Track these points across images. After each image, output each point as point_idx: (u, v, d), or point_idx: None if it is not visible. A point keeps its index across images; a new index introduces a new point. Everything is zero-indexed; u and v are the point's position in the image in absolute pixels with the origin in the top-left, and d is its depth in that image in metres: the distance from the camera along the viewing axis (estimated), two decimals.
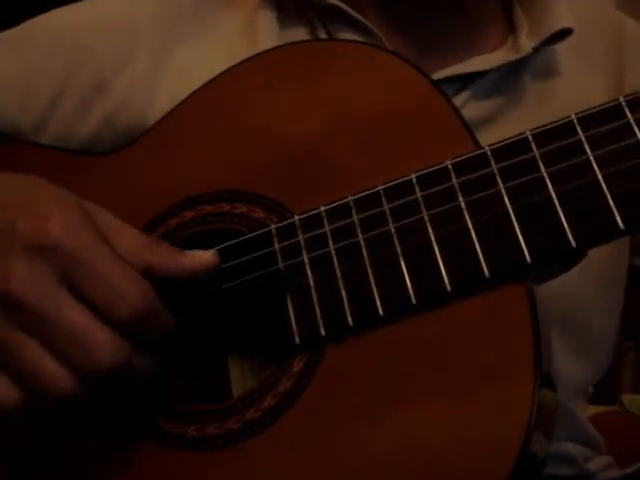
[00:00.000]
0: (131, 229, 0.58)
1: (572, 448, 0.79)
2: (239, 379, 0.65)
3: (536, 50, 0.75)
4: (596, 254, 0.56)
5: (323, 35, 0.76)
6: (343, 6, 0.74)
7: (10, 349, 0.53)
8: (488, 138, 0.59)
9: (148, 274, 0.56)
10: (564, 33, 0.74)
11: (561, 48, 0.77)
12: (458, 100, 0.73)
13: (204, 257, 0.59)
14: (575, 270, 0.57)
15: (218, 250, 0.61)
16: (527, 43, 0.75)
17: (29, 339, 0.53)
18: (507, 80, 0.76)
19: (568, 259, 0.56)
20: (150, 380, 0.57)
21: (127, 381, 0.55)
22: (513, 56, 0.75)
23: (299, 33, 0.76)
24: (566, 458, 0.78)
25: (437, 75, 0.73)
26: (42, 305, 0.53)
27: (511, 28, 0.79)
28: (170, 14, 0.79)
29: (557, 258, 0.55)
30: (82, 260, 0.54)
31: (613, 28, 0.83)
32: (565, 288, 0.58)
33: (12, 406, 0.54)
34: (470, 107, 0.74)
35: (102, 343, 0.53)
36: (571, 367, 0.76)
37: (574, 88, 0.77)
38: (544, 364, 0.53)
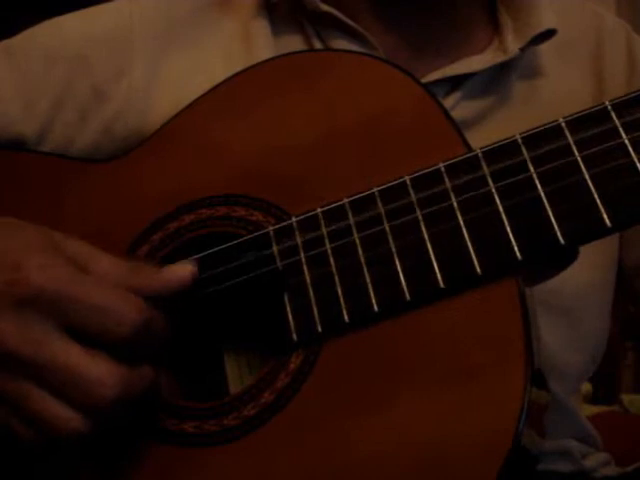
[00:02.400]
0: (108, 255, 0.58)
1: (569, 444, 0.79)
2: (236, 377, 0.66)
3: (522, 50, 0.76)
4: (590, 244, 0.57)
5: (317, 42, 0.77)
6: (336, 13, 0.76)
7: (17, 399, 0.54)
8: (479, 136, 0.60)
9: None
10: (548, 33, 0.76)
11: (545, 48, 0.78)
12: (449, 101, 0.75)
13: (183, 270, 0.59)
14: (578, 264, 0.58)
15: (216, 252, 0.62)
16: (513, 44, 0.76)
17: (34, 387, 0.54)
18: (495, 80, 0.78)
19: (561, 258, 0.57)
20: (151, 389, 0.58)
21: (131, 401, 0.56)
22: (501, 57, 0.76)
23: (293, 41, 0.78)
24: (563, 454, 0.79)
25: (429, 77, 0.75)
26: (37, 354, 0.54)
27: (496, 29, 0.80)
28: (166, 23, 0.80)
29: (548, 256, 0.56)
30: (67, 298, 0.54)
31: (594, 26, 0.84)
32: (561, 279, 0.59)
33: (31, 442, 0.55)
34: (461, 107, 0.75)
35: (101, 379, 0.54)
36: (567, 358, 0.77)
37: (558, 86, 0.79)
38: (535, 360, 0.54)
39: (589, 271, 0.76)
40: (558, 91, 0.78)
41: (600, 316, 0.81)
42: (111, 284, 0.56)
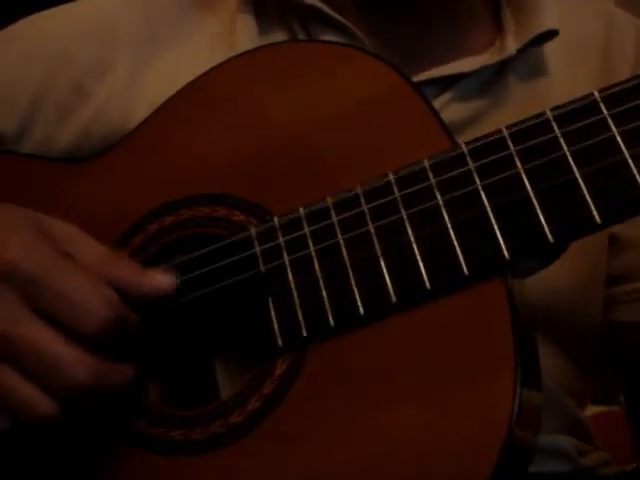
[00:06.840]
0: (93, 242, 0.58)
1: (564, 440, 0.76)
2: (227, 383, 0.65)
3: (522, 51, 0.74)
4: (575, 249, 0.55)
5: (303, 38, 0.75)
6: (323, 7, 0.74)
7: None
8: (470, 138, 0.58)
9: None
10: (550, 34, 0.74)
11: (551, 48, 0.76)
12: (439, 102, 0.73)
13: (164, 279, 0.59)
14: (558, 266, 0.57)
15: (198, 256, 0.61)
16: (512, 45, 0.74)
17: (4, 366, 0.53)
18: (492, 82, 0.75)
19: (548, 253, 0.56)
20: (128, 387, 0.57)
21: (105, 393, 0.55)
22: (496, 58, 0.74)
23: (278, 36, 0.76)
24: (559, 452, 0.76)
25: (417, 78, 0.72)
26: (8, 331, 0.53)
27: (500, 30, 0.78)
28: (151, 21, 0.79)
29: (536, 253, 0.55)
30: (41, 280, 0.54)
31: (603, 23, 0.82)
32: (547, 284, 0.58)
33: (3, 429, 0.54)
34: (452, 109, 0.73)
35: (72, 362, 0.53)
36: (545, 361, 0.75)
37: (564, 88, 0.75)
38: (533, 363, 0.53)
39: (578, 277, 0.74)
40: (561, 94, 0.75)
41: (588, 321, 0.78)
42: (90, 273, 0.55)
